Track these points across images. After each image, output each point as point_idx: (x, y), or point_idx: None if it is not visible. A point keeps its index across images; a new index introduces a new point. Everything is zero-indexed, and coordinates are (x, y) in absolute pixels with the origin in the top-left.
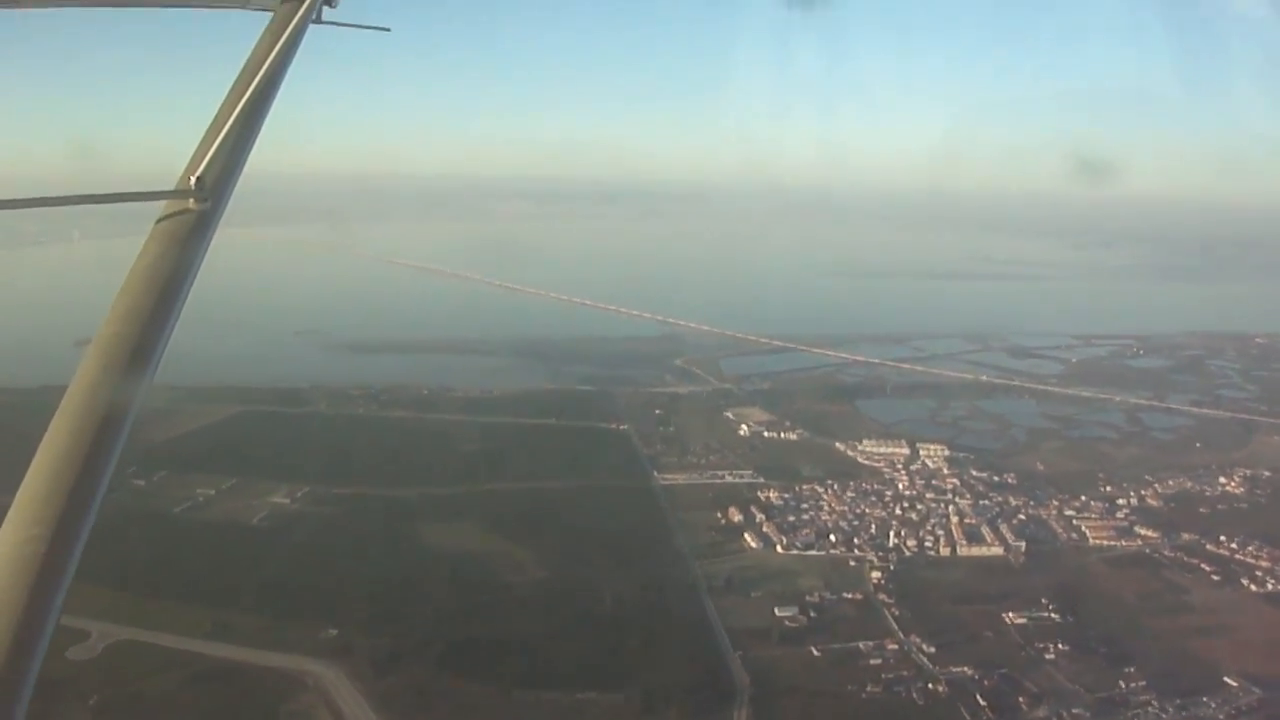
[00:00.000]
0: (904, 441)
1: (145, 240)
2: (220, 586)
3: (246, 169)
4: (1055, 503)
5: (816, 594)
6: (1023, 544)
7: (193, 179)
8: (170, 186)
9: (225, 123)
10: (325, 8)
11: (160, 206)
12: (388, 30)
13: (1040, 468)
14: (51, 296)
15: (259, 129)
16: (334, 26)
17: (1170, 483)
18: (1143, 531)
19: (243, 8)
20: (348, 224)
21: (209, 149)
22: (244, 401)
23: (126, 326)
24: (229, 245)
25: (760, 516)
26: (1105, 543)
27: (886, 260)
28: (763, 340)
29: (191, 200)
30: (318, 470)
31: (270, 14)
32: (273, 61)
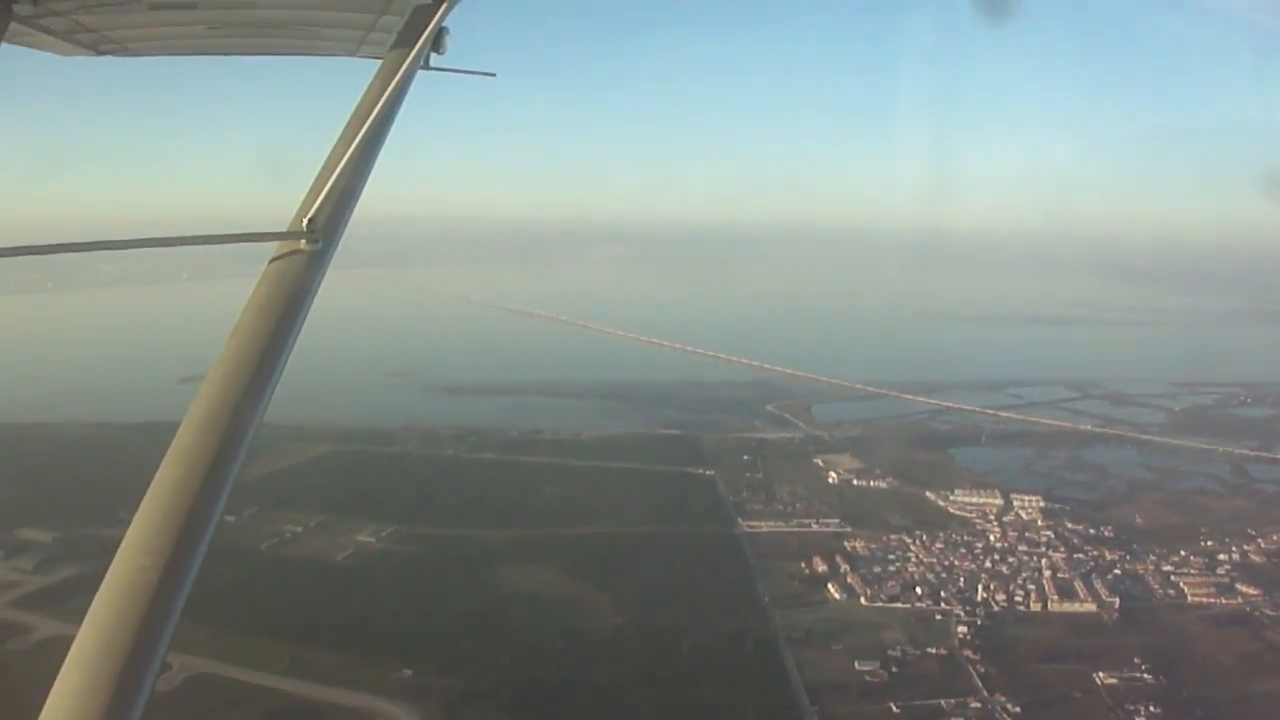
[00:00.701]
0: (997, 491)
1: (258, 281)
2: (300, 623)
3: (355, 212)
4: (1153, 557)
5: (899, 648)
6: (1117, 600)
7: (305, 221)
8: (282, 229)
9: (336, 167)
10: (433, 55)
11: (273, 248)
12: (493, 75)
13: (1139, 521)
14: (158, 335)
15: (369, 173)
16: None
17: (1275, 538)
18: (1244, 589)
19: (353, 55)
20: (446, 266)
21: (320, 192)
22: (336, 441)
23: (239, 365)
24: (328, 286)
25: (845, 567)
26: (1204, 600)
27: (989, 304)
28: (856, 386)
29: (303, 242)
30: (404, 510)
31: (380, 61)
32: (382, 107)
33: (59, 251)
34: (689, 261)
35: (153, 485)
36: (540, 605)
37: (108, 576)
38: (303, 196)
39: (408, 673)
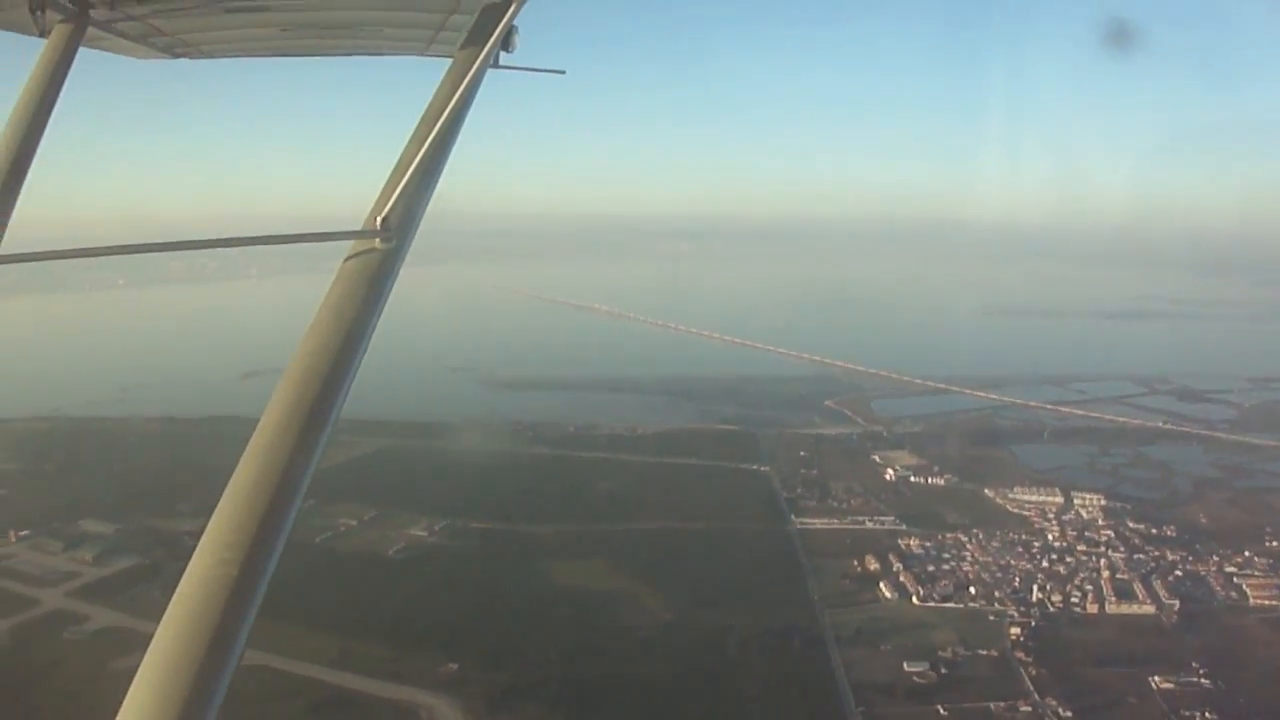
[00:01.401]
0: (1058, 489)
1: (333, 279)
2: (349, 616)
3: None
4: (1216, 558)
5: (950, 649)
6: (1176, 602)
7: (378, 220)
8: (355, 227)
9: (409, 165)
10: (502, 53)
11: (347, 246)
12: (562, 73)
13: (1203, 520)
14: (226, 331)
15: (441, 171)
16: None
17: None
18: None
19: (423, 54)
20: (509, 262)
21: (394, 191)
22: (395, 435)
23: (316, 362)
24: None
25: (898, 565)
26: (1267, 603)
27: (1061, 298)
28: (918, 381)
29: (377, 240)
30: (458, 504)
31: (450, 60)
32: (453, 106)
33: (143, 251)
34: (754, 256)
35: (231, 482)
36: (588, 600)
37: (187, 572)
38: (375, 195)
39: (453, 666)
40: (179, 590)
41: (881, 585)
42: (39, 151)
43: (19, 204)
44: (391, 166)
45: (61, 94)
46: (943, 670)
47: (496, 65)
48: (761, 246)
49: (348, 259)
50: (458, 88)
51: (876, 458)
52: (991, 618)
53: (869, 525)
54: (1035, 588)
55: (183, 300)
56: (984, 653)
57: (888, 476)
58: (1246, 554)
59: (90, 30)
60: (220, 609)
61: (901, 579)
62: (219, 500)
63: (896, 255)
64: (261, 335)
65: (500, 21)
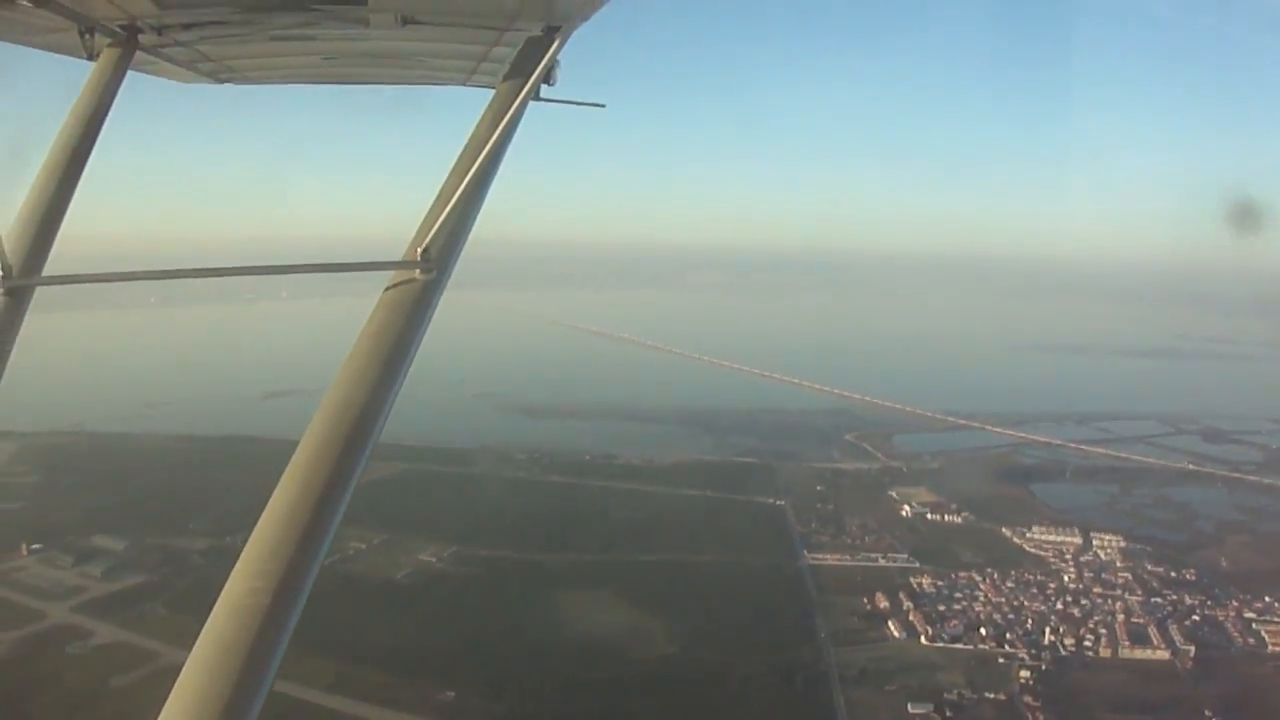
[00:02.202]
0: (1077, 530)
1: (374, 308)
2: (351, 640)
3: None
4: (1235, 603)
5: (956, 691)
6: (1192, 648)
7: (419, 251)
8: (396, 256)
9: (451, 197)
10: (543, 85)
11: (388, 275)
12: (602, 106)
13: (1224, 564)
14: (253, 351)
15: (482, 203)
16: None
17: None
18: None
19: (465, 84)
20: (540, 289)
21: (435, 222)
22: (411, 460)
23: (354, 391)
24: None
25: (908, 604)
26: None
27: (1092, 335)
28: (941, 417)
29: (418, 271)
30: (468, 531)
31: (491, 90)
32: (496, 139)
33: (184, 277)
34: (785, 288)
35: (268, 508)
36: (591, 631)
37: (221, 597)
38: (417, 224)
39: (450, 694)
40: (212, 617)
41: (890, 624)
42: (86, 172)
43: (65, 223)
44: (432, 197)
45: (109, 116)
46: (948, 713)
47: (538, 98)
48: (793, 278)
49: (388, 289)
50: (500, 120)
51: (894, 494)
52: (1001, 660)
53: (882, 562)
54: (1048, 630)
55: (213, 319)
56: (991, 696)
57: (904, 513)
58: (1267, 599)
59: (138, 54)
60: (252, 638)
61: (911, 618)
62: (253, 528)
63: (929, 288)
64: (287, 356)
65: (542, 55)
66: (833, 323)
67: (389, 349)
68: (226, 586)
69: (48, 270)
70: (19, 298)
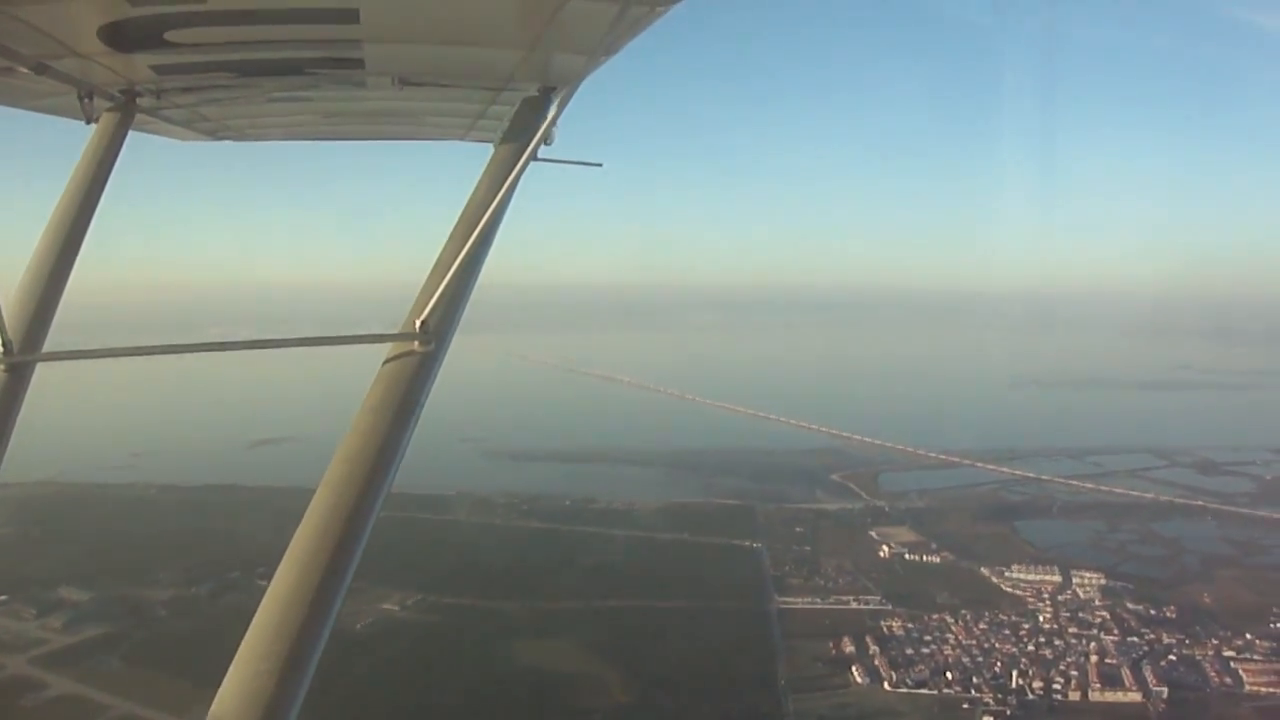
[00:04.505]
0: (1056, 568)
1: (373, 382)
2: None
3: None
4: (1215, 641)
5: None
6: (1165, 690)
7: (417, 323)
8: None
9: (449, 265)
10: (542, 146)
11: (387, 347)
12: (599, 165)
13: (1206, 600)
14: (244, 399)
15: (480, 270)
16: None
17: None
18: None
19: (462, 140)
20: (538, 332)
21: (433, 293)
22: (387, 507)
23: (355, 467)
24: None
25: (874, 648)
26: (1262, 689)
27: (1087, 369)
28: (930, 455)
29: (416, 343)
30: (434, 579)
31: (488, 145)
32: (496, 204)
33: (186, 352)
34: (781, 327)
35: (272, 585)
36: (547, 681)
37: (227, 680)
38: (411, 281)
39: None
40: (218, 700)
41: (854, 669)
42: (89, 234)
43: (70, 286)
44: (430, 263)
45: (110, 178)
46: None
47: (535, 159)
48: (792, 316)
49: (386, 362)
50: (498, 184)
51: (874, 534)
52: (965, 705)
53: (853, 605)
54: (1015, 673)
55: (207, 367)
56: None
57: (882, 554)
58: (1248, 636)
59: (138, 116)
60: (261, 715)
61: (876, 662)
62: (258, 607)
63: (923, 326)
64: (277, 404)
65: (539, 113)
66: (828, 361)
67: (388, 425)
68: (235, 662)
69: (50, 344)
70: (20, 374)
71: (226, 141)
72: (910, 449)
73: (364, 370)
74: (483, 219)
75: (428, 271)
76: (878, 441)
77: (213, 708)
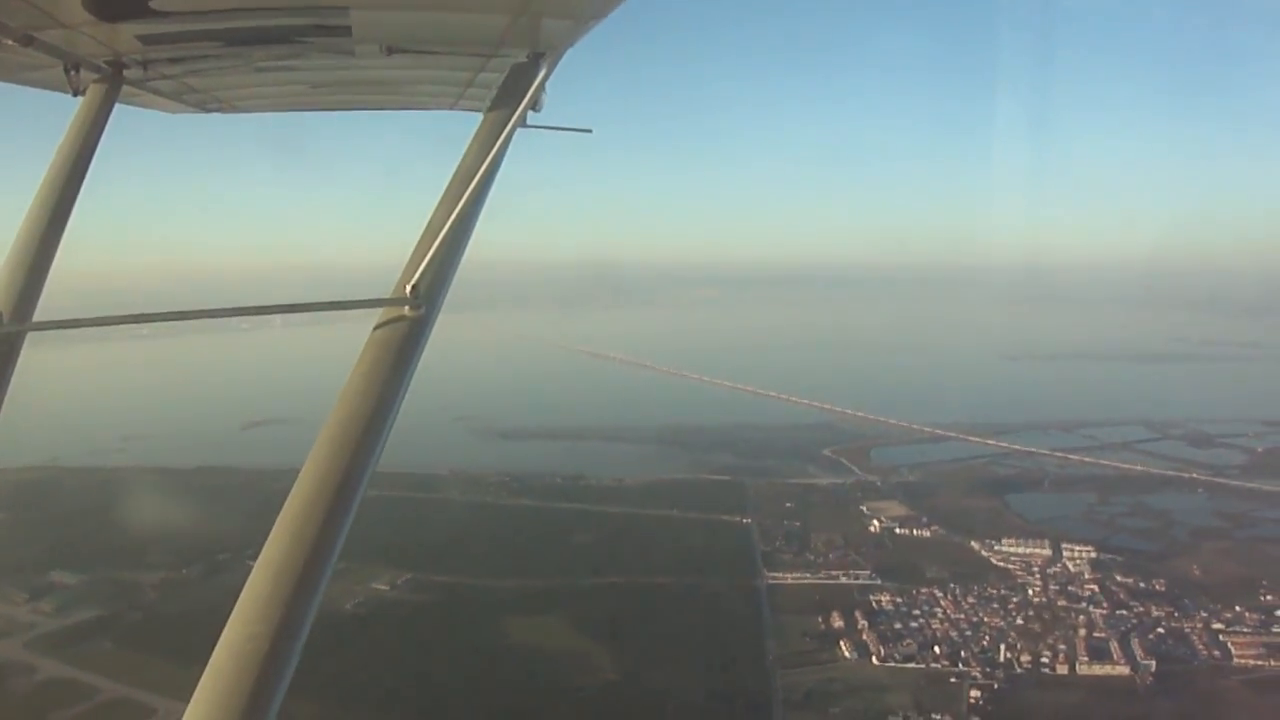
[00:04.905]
0: (1047, 541)
1: (363, 347)
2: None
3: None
4: (1204, 614)
5: (902, 713)
6: (1153, 662)
7: (408, 287)
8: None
9: (439, 230)
10: (530, 112)
11: (378, 313)
12: (589, 131)
13: (1196, 573)
14: (238, 380)
15: (470, 235)
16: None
17: None
18: None
19: (452, 109)
20: (534, 309)
21: (423, 257)
22: (379, 486)
23: (345, 432)
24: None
25: (863, 623)
26: (1251, 662)
27: (1082, 342)
28: (923, 429)
29: (406, 308)
30: (425, 558)
31: (478, 114)
32: (484, 172)
33: (173, 319)
34: (776, 302)
35: (262, 555)
36: (536, 658)
37: (220, 645)
38: (403, 253)
39: None
40: (211, 664)
41: (842, 644)
42: (76, 205)
43: (57, 259)
44: (419, 230)
45: (97, 150)
46: None
47: (524, 125)
48: (785, 292)
49: (377, 327)
50: (487, 149)
51: (864, 509)
52: (953, 679)
53: (843, 580)
54: (1003, 647)
55: (203, 350)
56: (937, 717)
57: (872, 528)
58: (1237, 609)
59: (124, 87)
60: (252, 684)
61: (864, 637)
62: (248, 575)
63: (918, 299)
64: (272, 385)
65: (528, 81)
66: (821, 335)
67: (379, 390)
68: (224, 634)
69: (40, 314)
70: (11, 344)
71: (215, 114)
72: (903, 423)
73: (359, 350)
74: (472, 184)
75: (417, 237)
76: (870, 416)
77: (203, 677)
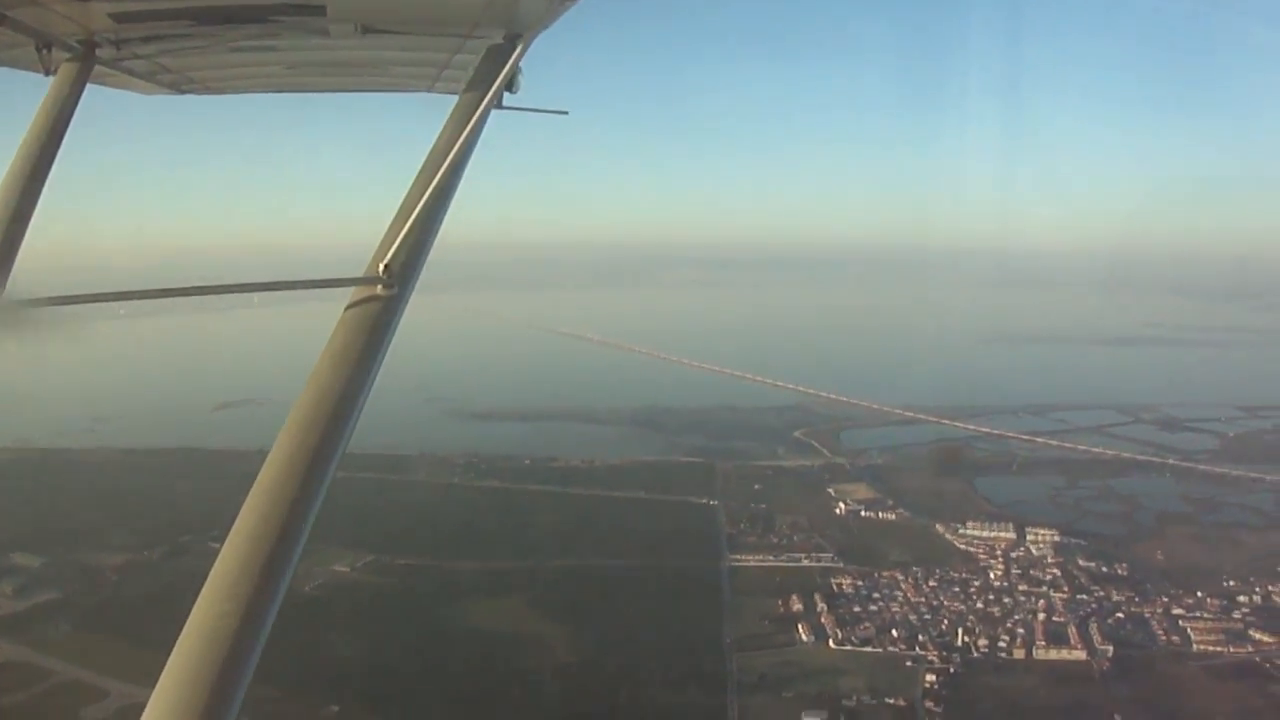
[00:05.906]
0: (1011, 525)
1: (335, 326)
2: None
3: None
4: (1165, 599)
5: (855, 697)
6: (1110, 648)
7: (381, 266)
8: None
9: (412, 210)
10: (506, 93)
11: (350, 291)
12: (565, 113)
13: (1159, 557)
14: (212, 361)
15: (444, 215)
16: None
17: None
18: (1257, 636)
19: (428, 91)
20: (514, 291)
21: (396, 236)
22: (346, 468)
23: (317, 410)
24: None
25: (822, 605)
26: (1209, 648)
27: (1056, 326)
28: (894, 411)
29: (380, 287)
30: (387, 540)
31: (454, 96)
32: (458, 151)
33: (144, 298)
34: (757, 284)
35: (233, 532)
36: (493, 642)
37: (189, 622)
38: (378, 238)
39: (334, 709)
40: (181, 641)
41: (800, 627)
42: (46, 187)
43: (26, 241)
44: (393, 211)
45: (69, 130)
46: None
47: (500, 106)
48: (767, 274)
49: (349, 306)
50: (461, 131)
51: (831, 491)
52: (909, 663)
53: (805, 562)
54: (961, 631)
55: (179, 330)
56: (891, 701)
57: (838, 511)
58: (1199, 594)
59: (97, 67)
60: (221, 662)
61: (822, 620)
62: (219, 552)
63: (895, 282)
64: (246, 366)
65: (503, 62)
66: (799, 317)
67: (351, 369)
68: (194, 612)
69: (8, 292)
70: None
71: (190, 95)
72: (875, 405)
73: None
74: (446, 163)
75: (391, 217)
76: (842, 398)
77: (173, 654)
